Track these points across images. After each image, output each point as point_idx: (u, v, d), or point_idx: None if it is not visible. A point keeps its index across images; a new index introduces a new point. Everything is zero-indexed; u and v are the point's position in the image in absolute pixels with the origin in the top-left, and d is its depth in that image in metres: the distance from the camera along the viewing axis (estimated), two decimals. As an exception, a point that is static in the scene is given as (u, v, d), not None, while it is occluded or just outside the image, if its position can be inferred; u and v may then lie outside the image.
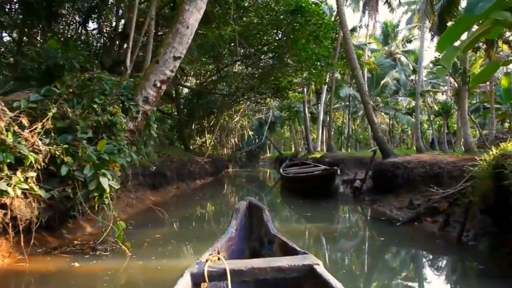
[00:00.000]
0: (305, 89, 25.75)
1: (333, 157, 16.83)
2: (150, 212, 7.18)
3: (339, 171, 10.14)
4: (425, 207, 6.30)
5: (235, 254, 2.97)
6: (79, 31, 12.46)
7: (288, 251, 2.66)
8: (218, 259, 2.26)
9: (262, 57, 19.22)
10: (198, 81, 21.35)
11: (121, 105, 4.66)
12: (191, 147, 21.19)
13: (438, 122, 39.72)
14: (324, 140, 35.44)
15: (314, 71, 15.30)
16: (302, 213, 8.98)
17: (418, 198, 7.46)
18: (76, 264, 4.23)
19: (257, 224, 3.37)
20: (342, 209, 9.73)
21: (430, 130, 38.23)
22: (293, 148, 56.60)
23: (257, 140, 36.60)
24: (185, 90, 25.76)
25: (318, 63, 14.07)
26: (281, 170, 14.88)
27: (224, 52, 14.41)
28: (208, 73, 21.04)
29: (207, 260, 2.21)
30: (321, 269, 2.15)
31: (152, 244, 5.37)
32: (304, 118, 26.05)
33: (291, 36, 12.77)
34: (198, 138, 22.99)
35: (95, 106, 4.47)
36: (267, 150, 53.38)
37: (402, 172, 8.31)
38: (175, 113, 21.43)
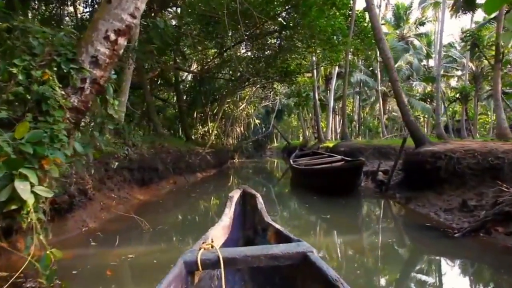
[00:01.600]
0: (315, 73, 24.06)
1: (349, 146, 15.18)
2: (131, 218, 5.65)
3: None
4: (494, 212, 4.61)
5: (229, 243, 2.91)
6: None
7: (282, 239, 2.62)
8: (212, 247, 2.21)
9: (268, 38, 17.63)
10: (200, 67, 19.62)
11: (56, 69, 3.05)
12: (193, 137, 19.65)
13: (451, 109, 37.90)
14: (334, 128, 33.86)
15: (329, 47, 13.40)
16: (319, 213, 7.36)
17: (472, 198, 5.82)
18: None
19: (251, 212, 3.37)
20: (369, 210, 8.03)
21: (444, 117, 36.57)
22: (300, 138, 55.11)
23: (263, 129, 34.90)
24: (187, 78, 24.23)
25: (334, 37, 12.27)
26: (290, 161, 13.28)
27: (225, 28, 12.85)
28: (211, 57, 19.33)
29: (200, 248, 2.15)
30: (314, 256, 2.10)
31: (116, 274, 3.77)
32: (314, 105, 24.28)
33: (302, 5, 10.93)
34: (201, 127, 21.39)
35: (14, 70, 2.89)
36: (274, 139, 51.74)
37: (446, 163, 6.63)
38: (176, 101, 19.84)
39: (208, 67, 19.98)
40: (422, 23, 39.81)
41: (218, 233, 2.76)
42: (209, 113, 22.34)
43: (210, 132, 17.65)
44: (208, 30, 15.43)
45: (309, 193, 9.32)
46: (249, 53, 19.82)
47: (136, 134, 8.23)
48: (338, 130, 40.94)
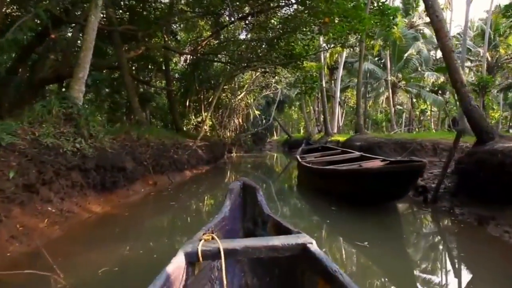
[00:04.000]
0: (322, 58, 21.85)
1: (365, 141, 12.92)
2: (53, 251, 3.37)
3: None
4: None
5: (229, 234, 2.89)
6: None
7: (282, 231, 2.56)
8: (212, 238, 2.19)
9: (272, 15, 15.33)
10: (193, 48, 17.22)
11: None
12: (184, 129, 17.36)
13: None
14: (340, 121, 31.53)
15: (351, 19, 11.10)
16: (349, 237, 5.09)
17: None
18: None
19: (251, 204, 3.34)
20: (423, 234, 5.48)
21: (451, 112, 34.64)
22: (301, 131, 52.83)
23: (264, 121, 32.52)
24: (180, 63, 21.87)
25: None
26: (297, 158, 11.03)
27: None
28: (206, 40, 16.95)
29: (201, 239, 2.16)
30: (314, 248, 2.09)
31: None
32: (321, 94, 21.95)
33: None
34: (194, 117, 19.06)
35: None
36: (274, 132, 49.49)
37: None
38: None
39: (203, 49, 17.65)
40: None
41: (218, 224, 2.74)
42: (204, 101, 20.02)
43: (204, 122, 15.19)
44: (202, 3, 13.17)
45: (324, 200, 7.07)
46: (249, 35, 17.49)
47: (94, 122, 5.98)
48: (341, 124, 38.81)
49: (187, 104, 19.24)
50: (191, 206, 7.43)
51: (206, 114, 16.61)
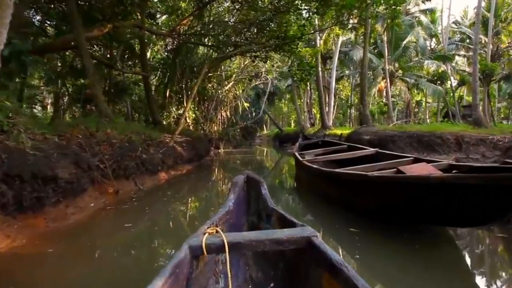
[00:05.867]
0: (318, 42, 19.90)
1: (375, 134, 10.99)
2: None
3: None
4: None
5: (233, 228, 2.85)
6: None
7: (286, 224, 2.54)
8: (216, 231, 2.18)
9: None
10: (172, 29, 15.04)
11: None
12: (164, 122, 15.31)
13: (458, 93, 34.09)
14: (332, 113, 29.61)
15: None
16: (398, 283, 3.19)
17: None
18: None
19: (255, 198, 3.28)
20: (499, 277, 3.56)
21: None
22: (292, 124, 50.89)
23: (253, 114, 30.45)
24: (160, 49, 19.68)
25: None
26: (296, 154, 9.13)
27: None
28: (187, 19, 14.82)
29: (205, 233, 2.14)
30: (319, 241, 2.07)
31: None
32: (317, 83, 19.95)
33: None
34: (175, 109, 16.92)
35: None
36: (264, 126, 47.48)
37: None
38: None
39: (185, 32, 15.55)
40: (427, -2, 35.62)
41: (223, 218, 2.72)
42: (188, 92, 17.89)
43: (183, 114, 12.96)
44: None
45: (336, 215, 5.22)
46: (236, 17, 15.43)
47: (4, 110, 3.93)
48: (333, 116, 36.88)
49: (167, 94, 17.09)
50: (156, 228, 5.37)
51: (187, 104, 14.50)
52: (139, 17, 12.98)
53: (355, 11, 13.48)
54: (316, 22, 15.90)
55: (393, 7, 13.60)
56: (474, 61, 15.89)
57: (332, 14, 12.94)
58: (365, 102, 14.21)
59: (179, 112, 17.04)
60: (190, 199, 7.88)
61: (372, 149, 8.30)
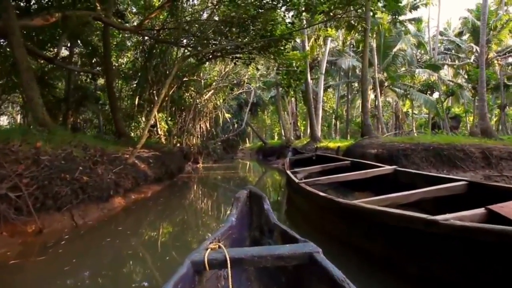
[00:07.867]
0: (306, 45, 18.15)
1: (382, 147, 9.09)
2: None
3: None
4: None
5: (236, 243, 2.80)
6: None
7: (288, 239, 2.49)
8: (219, 247, 2.16)
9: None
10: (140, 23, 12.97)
11: None
12: (132, 134, 13.16)
13: (446, 104, 32.88)
14: (311, 125, 27.77)
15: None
16: None
17: None
18: None
19: (258, 213, 3.26)
20: None
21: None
22: (276, 137, 48.96)
23: (235, 126, 28.42)
24: (130, 54, 17.58)
25: None
26: (288, 173, 7.23)
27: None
28: (155, 13, 12.83)
29: (207, 248, 2.12)
30: (321, 257, 2.03)
31: None
32: (305, 91, 18.10)
33: None
34: (144, 119, 14.72)
35: None
36: (247, 139, 45.48)
37: None
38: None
39: (157, 30, 13.55)
40: (415, 7, 34.63)
41: (225, 233, 2.67)
42: (160, 100, 15.81)
43: (147, 124, 10.59)
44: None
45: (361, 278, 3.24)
46: (214, 14, 13.53)
47: None
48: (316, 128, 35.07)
49: (137, 103, 14.94)
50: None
51: (161, 115, 12.29)
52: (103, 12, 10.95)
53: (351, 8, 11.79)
54: (304, 22, 14.16)
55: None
56: (480, 64, 14.44)
57: (325, 8, 11.16)
58: (367, 109, 12.36)
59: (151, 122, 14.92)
60: (152, 234, 5.76)
61: (388, 166, 6.40)
